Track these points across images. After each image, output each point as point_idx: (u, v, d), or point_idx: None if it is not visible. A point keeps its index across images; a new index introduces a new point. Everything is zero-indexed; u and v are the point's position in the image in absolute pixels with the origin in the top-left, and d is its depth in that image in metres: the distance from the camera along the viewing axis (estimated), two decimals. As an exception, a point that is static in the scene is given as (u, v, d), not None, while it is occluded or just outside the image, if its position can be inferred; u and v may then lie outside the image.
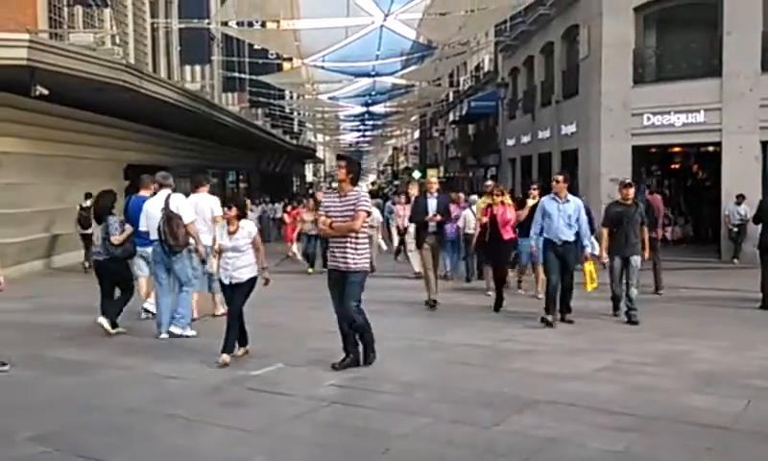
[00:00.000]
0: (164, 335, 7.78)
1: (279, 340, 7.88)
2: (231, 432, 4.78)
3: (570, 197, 8.65)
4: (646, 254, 9.11)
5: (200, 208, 8.46)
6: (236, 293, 6.69)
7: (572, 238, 8.41)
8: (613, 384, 5.88)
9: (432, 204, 9.70)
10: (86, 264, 13.66)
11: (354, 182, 6.39)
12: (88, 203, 13.55)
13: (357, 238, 6.26)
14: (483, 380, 6.06)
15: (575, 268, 8.68)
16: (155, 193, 8.37)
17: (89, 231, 11.53)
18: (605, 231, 8.97)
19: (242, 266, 6.65)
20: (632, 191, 8.94)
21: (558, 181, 8.67)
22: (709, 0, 16.73)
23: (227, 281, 6.72)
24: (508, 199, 10.45)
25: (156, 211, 7.84)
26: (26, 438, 4.67)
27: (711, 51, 16.75)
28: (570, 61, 20.76)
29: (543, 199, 8.85)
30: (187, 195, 8.60)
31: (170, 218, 7.67)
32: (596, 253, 8.98)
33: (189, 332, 7.88)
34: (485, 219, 9.78)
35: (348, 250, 6.22)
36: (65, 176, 15.52)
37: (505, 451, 4.42)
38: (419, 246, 10.10)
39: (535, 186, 11.03)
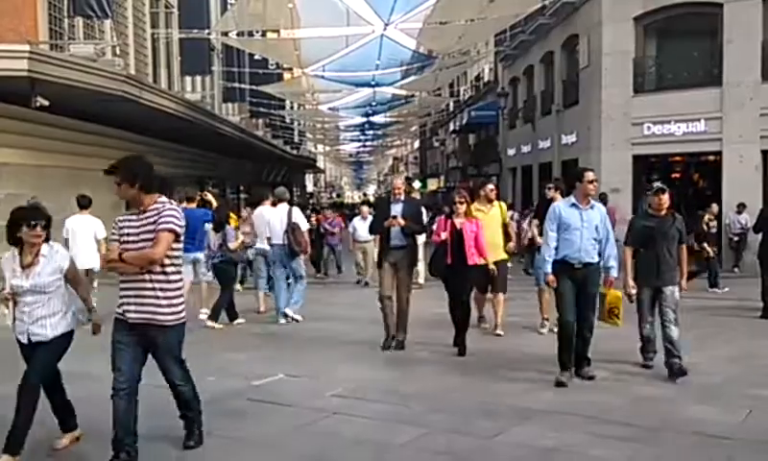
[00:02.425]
0: (282, 320, 9.55)
1: (280, 351, 7.86)
2: (232, 443, 4.75)
3: (593, 201, 6.44)
4: (684, 284, 6.67)
5: (266, 220, 10.08)
6: (40, 356, 4.48)
7: (596, 259, 6.24)
8: (615, 394, 5.85)
9: (396, 209, 7.57)
10: None
11: (148, 190, 4.32)
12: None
13: (165, 273, 4.24)
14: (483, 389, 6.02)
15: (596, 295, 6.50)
16: (274, 205, 10.13)
17: None
18: (628, 253, 6.79)
19: (47, 316, 4.49)
20: (666, 198, 6.63)
21: (589, 180, 6.24)
22: (710, 9, 16.77)
23: (23, 339, 4.50)
24: (501, 207, 8.57)
25: (277, 221, 9.70)
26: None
27: (712, 60, 16.79)
28: (570, 71, 20.80)
29: (557, 205, 6.47)
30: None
31: (294, 228, 9.45)
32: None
33: (298, 317, 9.58)
34: (444, 235, 7.36)
35: (151, 293, 4.23)
36: (66, 186, 15.50)
37: (506, 462, 4.40)
38: (379, 264, 7.85)
39: (551, 186, 8.54)
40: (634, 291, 6.62)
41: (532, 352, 7.45)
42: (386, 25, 21.22)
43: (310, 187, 70.90)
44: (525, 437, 4.79)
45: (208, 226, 9.73)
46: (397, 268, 7.57)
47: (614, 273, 6.37)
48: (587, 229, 6.17)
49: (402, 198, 7.74)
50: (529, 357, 7.28)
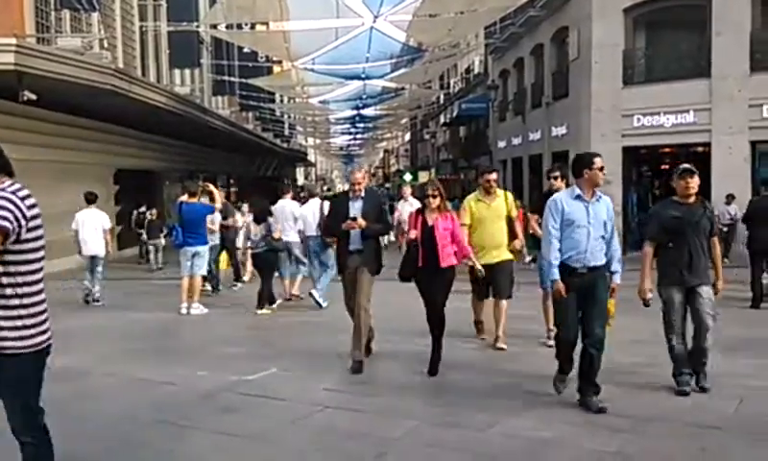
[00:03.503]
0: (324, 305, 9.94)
1: (273, 344, 7.84)
2: (225, 438, 4.74)
3: (598, 192, 5.30)
4: (720, 285, 5.61)
5: (287, 212, 10.75)
6: None
7: (603, 261, 5.21)
8: (607, 385, 5.82)
9: (356, 208, 6.53)
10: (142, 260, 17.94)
11: None
12: (143, 209, 18.17)
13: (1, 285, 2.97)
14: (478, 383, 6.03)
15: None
16: (296, 199, 10.88)
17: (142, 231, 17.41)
18: (649, 250, 5.70)
19: None
20: (695, 182, 5.57)
21: (599, 167, 5.16)
22: (698, 1, 16.85)
23: None
24: (506, 197, 7.43)
25: (310, 215, 10.36)
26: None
27: (700, 52, 16.87)
28: (560, 63, 20.83)
29: (558, 197, 5.33)
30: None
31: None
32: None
33: (322, 302, 9.98)
34: (414, 233, 6.33)
35: None
36: (54, 181, 15.41)
37: (499, 453, 4.42)
38: (339, 271, 6.86)
39: (557, 174, 7.31)
40: (650, 296, 5.57)
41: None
42: (375, 17, 21.16)
43: (301, 180, 70.73)
44: (519, 428, 4.80)
45: (213, 217, 10.72)
46: (358, 274, 6.47)
47: (618, 279, 5.33)
48: (594, 226, 5.14)
49: (363, 194, 6.65)
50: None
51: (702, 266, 5.53)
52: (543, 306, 7.25)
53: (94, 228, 10.92)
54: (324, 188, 57.60)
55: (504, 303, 7.21)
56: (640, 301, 5.59)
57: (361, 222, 6.40)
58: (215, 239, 11.52)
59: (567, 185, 6.54)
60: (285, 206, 10.98)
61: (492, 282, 7.12)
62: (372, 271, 6.52)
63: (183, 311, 9.77)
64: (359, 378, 6.17)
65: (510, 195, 7.57)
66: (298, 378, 6.27)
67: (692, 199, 5.62)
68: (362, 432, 4.83)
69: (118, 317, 9.98)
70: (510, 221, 7.29)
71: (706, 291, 5.51)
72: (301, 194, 10.88)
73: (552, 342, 6.35)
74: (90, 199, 11.19)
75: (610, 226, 5.25)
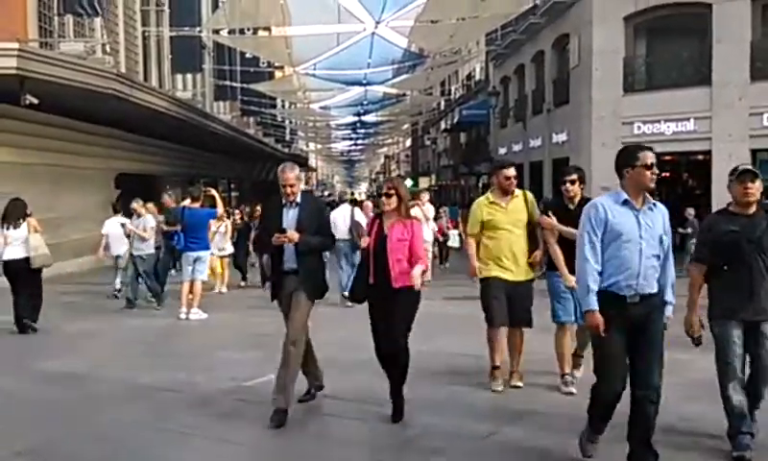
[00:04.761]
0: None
1: (271, 349, 7.83)
2: (223, 445, 4.73)
3: (651, 199, 4.07)
4: None
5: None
6: None
7: (656, 288, 4.01)
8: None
9: (290, 218, 5.21)
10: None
11: None
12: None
13: None
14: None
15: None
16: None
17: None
18: (697, 274, 4.51)
19: None
20: (757, 187, 4.35)
21: (647, 164, 3.92)
22: (699, 9, 16.88)
23: None
24: (526, 197, 5.93)
25: (341, 220, 10.68)
26: (14, 452, 4.61)
27: (701, 60, 16.91)
28: (561, 70, 20.88)
29: (600, 201, 4.06)
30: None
31: (357, 225, 9.59)
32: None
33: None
34: (365, 240, 5.18)
35: None
36: (55, 185, 15.44)
37: (497, 462, 4.34)
38: (272, 296, 5.42)
39: (574, 178, 5.73)
40: (701, 332, 4.42)
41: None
42: (377, 23, 21.22)
43: (302, 185, 70.69)
44: (517, 437, 4.75)
45: (215, 222, 10.95)
46: (293, 300, 5.18)
47: (671, 311, 4.12)
48: (647, 241, 3.94)
49: (299, 200, 5.26)
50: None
51: (766, 295, 4.32)
52: (557, 343, 5.80)
53: (117, 233, 11.95)
54: (325, 193, 57.59)
55: (524, 331, 5.88)
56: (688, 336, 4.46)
57: (292, 235, 5.09)
58: (150, 247, 10.89)
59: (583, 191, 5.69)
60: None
61: (509, 307, 5.71)
62: (310, 295, 5.21)
63: (183, 316, 9.76)
64: (357, 387, 6.12)
65: (530, 194, 6.04)
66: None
67: (753, 208, 4.39)
68: (359, 440, 4.81)
69: (118, 321, 9.97)
70: (531, 227, 5.80)
71: None
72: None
73: (570, 389, 5.64)
74: (117, 209, 12.77)
75: (666, 242, 4.05)
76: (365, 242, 5.13)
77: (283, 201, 5.25)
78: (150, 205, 11.56)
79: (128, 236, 11.36)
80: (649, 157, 3.93)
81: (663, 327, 4.06)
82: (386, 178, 5.96)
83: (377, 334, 5.11)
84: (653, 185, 3.96)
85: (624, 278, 3.92)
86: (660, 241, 4.01)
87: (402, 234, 4.98)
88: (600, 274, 3.96)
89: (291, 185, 5.18)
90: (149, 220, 10.96)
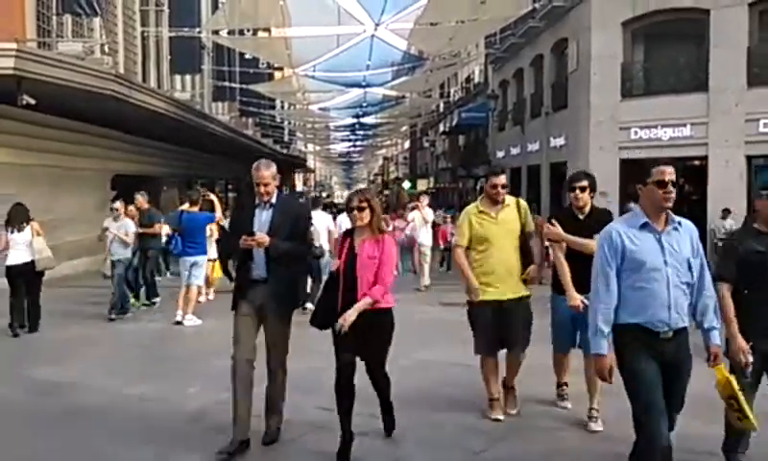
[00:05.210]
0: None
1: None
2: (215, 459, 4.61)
3: (675, 217, 3.61)
4: None
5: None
6: None
7: (686, 322, 3.61)
8: (605, 408, 5.13)
9: (263, 220, 4.76)
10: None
11: None
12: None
13: None
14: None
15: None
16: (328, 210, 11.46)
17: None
18: (727, 293, 4.06)
19: None
20: None
21: (663, 179, 3.52)
22: (696, 15, 16.92)
23: None
24: (519, 206, 5.34)
25: (322, 227, 10.61)
26: None
27: (698, 66, 16.95)
28: (559, 74, 20.92)
29: (614, 228, 3.63)
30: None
31: (336, 242, 10.12)
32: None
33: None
34: (336, 263, 4.88)
35: None
36: (52, 186, 15.42)
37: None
38: (233, 306, 4.80)
39: (584, 184, 5.11)
40: (751, 358, 3.95)
41: None
42: (377, 25, 21.25)
43: (300, 186, 70.86)
44: (513, 452, 4.69)
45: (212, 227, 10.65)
46: (264, 315, 4.68)
47: (718, 339, 3.69)
48: (673, 267, 3.49)
49: (274, 200, 4.80)
50: None
51: None
52: (555, 361, 5.46)
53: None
54: (324, 195, 57.65)
55: (520, 355, 5.29)
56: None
57: (262, 237, 4.56)
58: (129, 252, 10.52)
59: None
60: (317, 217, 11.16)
61: (502, 329, 5.14)
62: (284, 311, 4.74)
63: (179, 318, 9.61)
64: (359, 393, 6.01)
65: (523, 203, 5.45)
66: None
67: None
68: (353, 455, 4.62)
69: (109, 327, 9.68)
70: (523, 239, 5.26)
71: None
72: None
73: (565, 403, 5.38)
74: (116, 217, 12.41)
75: (696, 264, 3.59)
76: (334, 266, 4.55)
77: (257, 201, 4.78)
78: (131, 208, 11.08)
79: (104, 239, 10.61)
80: (662, 174, 3.52)
81: (711, 362, 3.68)
82: (355, 190, 4.80)
83: (338, 361, 4.49)
84: (668, 205, 3.50)
85: (654, 312, 3.47)
86: (688, 266, 3.54)
87: (373, 252, 4.43)
88: (617, 310, 3.52)
89: (266, 184, 4.72)
90: (129, 224, 10.40)
